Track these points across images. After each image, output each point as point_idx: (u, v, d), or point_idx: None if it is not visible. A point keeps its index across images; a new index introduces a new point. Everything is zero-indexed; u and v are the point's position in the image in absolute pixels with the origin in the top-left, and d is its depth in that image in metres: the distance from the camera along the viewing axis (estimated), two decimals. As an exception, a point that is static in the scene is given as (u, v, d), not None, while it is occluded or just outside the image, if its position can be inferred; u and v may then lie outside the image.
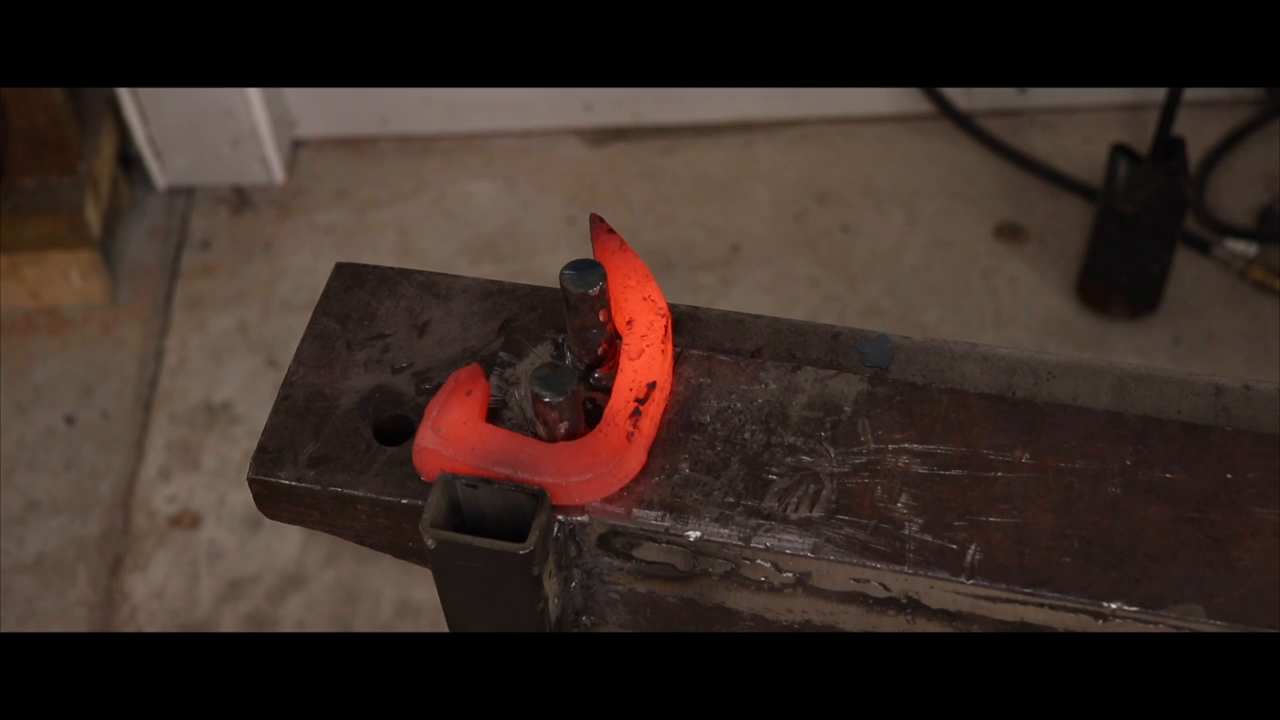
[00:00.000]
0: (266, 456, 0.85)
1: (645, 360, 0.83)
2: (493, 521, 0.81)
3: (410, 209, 2.63)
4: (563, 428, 0.80)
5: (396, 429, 0.86)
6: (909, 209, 2.59)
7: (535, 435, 0.81)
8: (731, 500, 0.81)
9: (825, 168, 2.66)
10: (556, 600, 0.82)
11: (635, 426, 0.81)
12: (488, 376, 0.86)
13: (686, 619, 0.84)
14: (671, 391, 0.85)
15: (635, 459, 0.81)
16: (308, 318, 0.93)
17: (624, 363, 0.83)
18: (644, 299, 0.85)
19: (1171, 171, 2.25)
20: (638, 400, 0.81)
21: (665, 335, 0.84)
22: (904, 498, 0.80)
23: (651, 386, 0.82)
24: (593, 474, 0.80)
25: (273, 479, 0.85)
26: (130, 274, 2.57)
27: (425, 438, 0.81)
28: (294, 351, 0.90)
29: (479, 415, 0.82)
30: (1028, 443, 0.82)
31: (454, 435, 0.80)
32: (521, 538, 0.78)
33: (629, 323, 0.84)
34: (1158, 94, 2.41)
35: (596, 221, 0.86)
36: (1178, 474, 0.80)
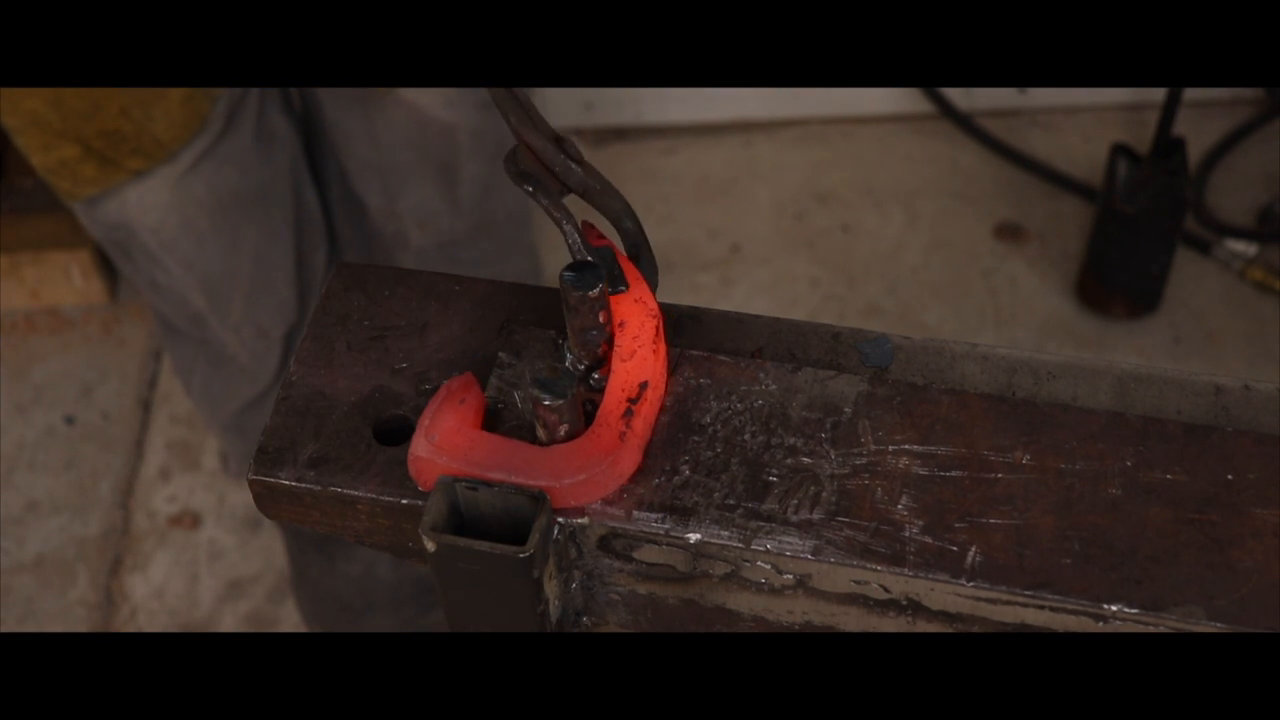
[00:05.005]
0: (266, 456, 0.85)
1: (637, 361, 0.83)
2: (493, 524, 0.81)
3: (410, 209, 2.63)
4: (562, 430, 0.80)
5: (396, 429, 0.86)
6: (909, 209, 2.59)
7: (535, 437, 0.81)
8: (732, 502, 0.81)
9: (825, 168, 2.66)
10: (557, 602, 0.82)
11: (628, 426, 0.81)
12: (488, 377, 0.86)
13: (687, 620, 0.84)
14: (668, 392, 0.85)
15: (629, 459, 0.81)
16: (308, 318, 0.93)
17: (616, 364, 0.83)
18: (635, 301, 0.85)
19: (1171, 171, 2.25)
20: (630, 400, 0.81)
21: (656, 335, 0.84)
22: (904, 499, 0.80)
23: (644, 386, 0.82)
24: (586, 475, 0.80)
25: (273, 479, 0.85)
26: (130, 274, 2.57)
27: (419, 446, 0.81)
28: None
29: (473, 422, 0.82)
30: (1028, 443, 0.82)
31: (447, 442, 0.80)
32: (522, 540, 0.77)
33: (620, 325, 0.84)
34: (1158, 94, 2.41)
35: (587, 228, 0.86)
36: (1178, 475, 0.80)
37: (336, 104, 1.77)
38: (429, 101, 1.74)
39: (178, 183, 1.63)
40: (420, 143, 1.78)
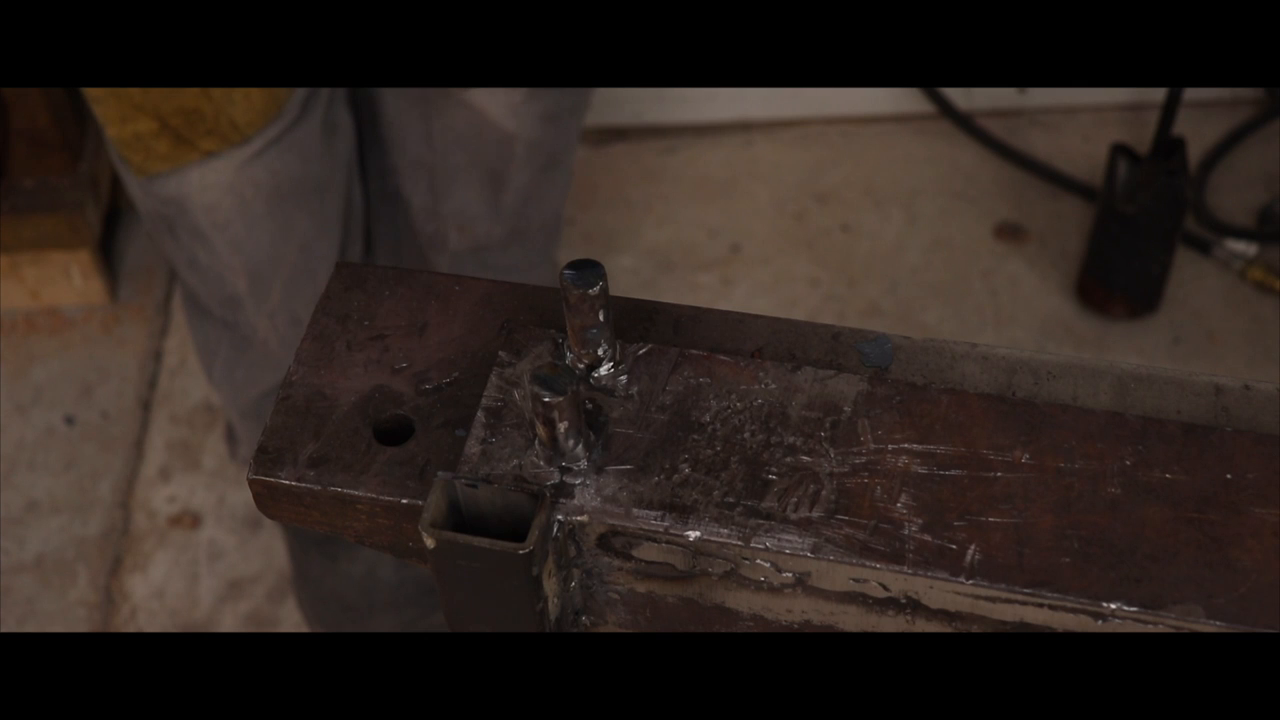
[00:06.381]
0: (266, 456, 0.85)
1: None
2: (492, 521, 0.81)
3: (410, 209, 2.63)
4: (563, 427, 0.80)
5: (396, 429, 0.86)
6: (909, 209, 2.60)
7: (535, 435, 0.81)
8: (731, 500, 0.81)
9: (825, 168, 2.66)
10: (556, 600, 0.82)
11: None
12: (488, 377, 0.86)
13: (686, 619, 0.84)
14: (668, 391, 0.85)
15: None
16: (307, 318, 0.93)
17: None
18: None
19: (1171, 171, 2.25)
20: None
21: None
22: (904, 498, 0.80)
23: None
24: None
25: (273, 479, 0.85)
26: (130, 274, 2.57)
27: None
28: (294, 351, 0.90)
29: None
30: (1028, 443, 0.82)
31: None
32: (521, 538, 0.78)
33: None
34: (1158, 94, 2.41)
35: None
36: (1178, 474, 0.80)
37: (398, 100, 1.78)
38: (494, 109, 1.74)
39: (242, 166, 1.64)
40: (474, 147, 1.79)
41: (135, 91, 1.55)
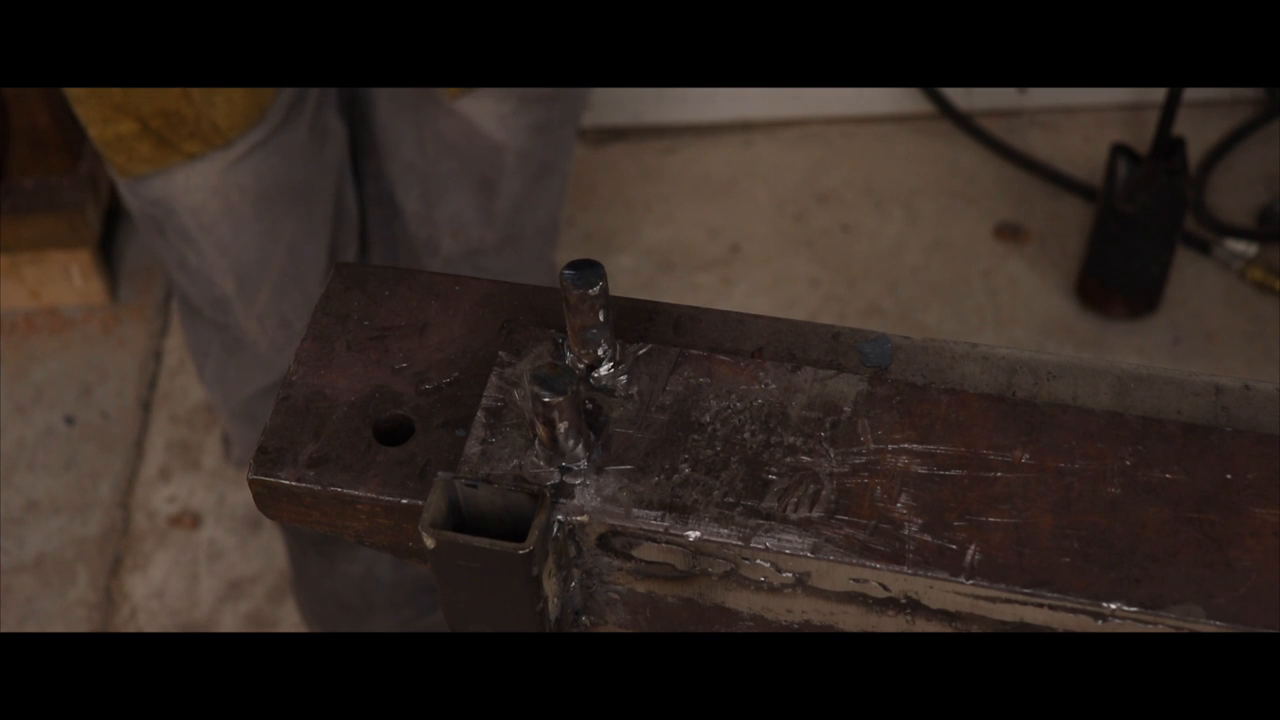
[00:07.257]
0: (266, 456, 0.85)
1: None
2: (492, 521, 0.81)
3: (410, 209, 2.62)
4: (563, 428, 0.80)
5: (396, 429, 0.86)
6: (909, 209, 2.60)
7: (535, 435, 0.81)
8: (731, 500, 0.81)
9: (825, 168, 2.66)
10: (556, 600, 0.82)
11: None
12: (488, 377, 0.86)
13: (686, 619, 0.84)
14: (668, 391, 0.85)
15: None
16: (307, 318, 0.93)
17: None
18: None
19: (1171, 171, 2.25)
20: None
21: None
22: (903, 498, 0.80)
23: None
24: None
25: (273, 479, 0.85)
26: (130, 274, 2.57)
27: None
28: (294, 352, 0.90)
29: None
30: (1027, 443, 0.82)
31: None
32: (521, 538, 0.78)
33: None
34: (1158, 94, 2.41)
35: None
36: (1177, 474, 0.80)
37: (390, 107, 1.79)
38: (484, 118, 1.75)
39: (227, 169, 1.64)
40: (466, 155, 1.80)
41: (116, 92, 1.55)
